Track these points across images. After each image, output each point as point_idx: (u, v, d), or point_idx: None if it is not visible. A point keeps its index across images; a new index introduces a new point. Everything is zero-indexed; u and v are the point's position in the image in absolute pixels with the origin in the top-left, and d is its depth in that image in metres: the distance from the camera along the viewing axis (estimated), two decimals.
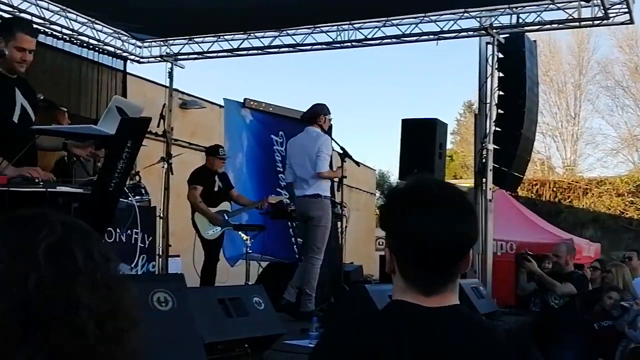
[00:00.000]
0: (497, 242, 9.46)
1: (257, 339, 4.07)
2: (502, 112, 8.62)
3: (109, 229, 4.96)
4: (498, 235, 9.17)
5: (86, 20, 8.92)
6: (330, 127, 6.63)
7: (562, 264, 6.59)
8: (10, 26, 3.93)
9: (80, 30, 8.95)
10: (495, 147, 8.52)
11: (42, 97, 4.62)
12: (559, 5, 8.10)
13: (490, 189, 8.34)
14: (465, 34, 8.67)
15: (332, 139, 6.55)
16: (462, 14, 8.53)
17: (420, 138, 7.79)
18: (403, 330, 1.51)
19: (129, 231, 5.51)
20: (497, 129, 8.60)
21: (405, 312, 1.55)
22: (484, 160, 8.39)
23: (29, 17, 8.18)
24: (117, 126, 3.67)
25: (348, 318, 2.02)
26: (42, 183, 3.53)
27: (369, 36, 8.99)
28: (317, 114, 6.27)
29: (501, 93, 8.58)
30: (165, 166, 7.29)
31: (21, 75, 3.98)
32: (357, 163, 6.65)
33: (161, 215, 7.10)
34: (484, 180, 8.35)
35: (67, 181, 4.46)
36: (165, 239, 8.88)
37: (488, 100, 8.59)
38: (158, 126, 7.71)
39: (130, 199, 5.34)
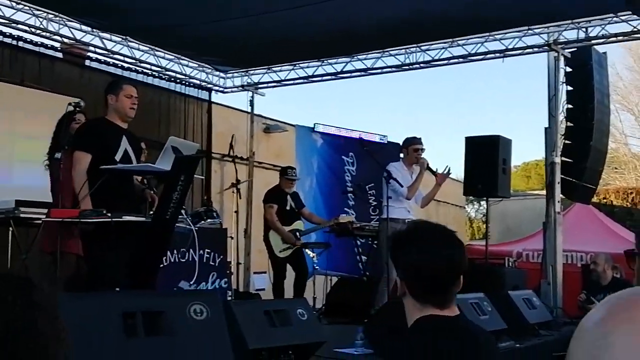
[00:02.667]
0: (569, 253, 9.49)
1: (299, 347, 4.52)
2: (572, 125, 8.70)
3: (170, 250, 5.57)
4: (571, 246, 9.20)
5: (173, 57, 9.74)
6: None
7: (600, 272, 6.67)
8: (117, 82, 4.90)
9: (168, 67, 9.79)
10: (566, 160, 8.61)
11: (143, 145, 5.45)
12: (622, 18, 8.13)
13: (558, 201, 8.43)
14: (530, 50, 8.82)
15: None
16: (526, 31, 8.70)
17: (484, 155, 8.02)
18: (439, 335, 1.98)
19: (200, 251, 6.11)
20: (567, 141, 8.69)
21: (437, 322, 1.99)
22: (553, 174, 8.50)
23: (120, 57, 9.11)
24: (172, 163, 4.27)
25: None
26: (109, 214, 4.16)
27: (436, 57, 9.30)
28: (402, 147, 7.05)
29: (570, 106, 8.67)
30: (235, 191, 7.92)
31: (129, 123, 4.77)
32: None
33: (232, 236, 7.72)
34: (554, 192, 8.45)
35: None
36: (248, 257, 9.54)
37: (557, 114, 8.69)
38: (230, 148, 8.35)
39: (202, 222, 5.97)
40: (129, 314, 3.31)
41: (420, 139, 7.11)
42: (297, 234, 7.65)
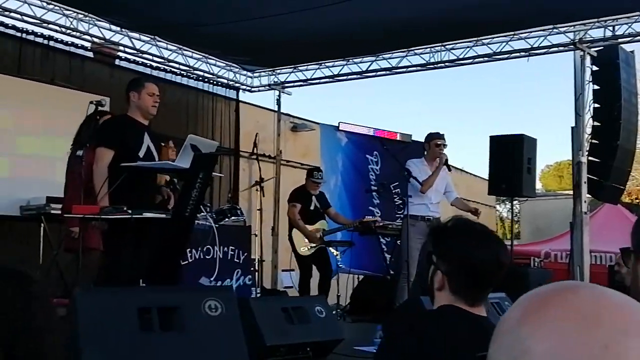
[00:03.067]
0: (597, 254, 9.41)
1: (317, 344, 4.60)
2: (599, 124, 8.61)
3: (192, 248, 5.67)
4: (600, 246, 9.13)
5: (201, 57, 9.87)
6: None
7: (624, 273, 6.59)
8: (139, 80, 4.97)
9: (196, 66, 9.92)
10: (593, 159, 8.53)
11: (163, 144, 5.56)
12: None
13: (585, 201, 8.36)
14: (555, 49, 8.75)
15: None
16: (551, 30, 8.64)
17: (509, 154, 8.00)
18: (458, 325, 2.01)
19: (225, 248, 6.22)
20: (594, 141, 8.61)
21: (459, 313, 2.02)
22: (579, 173, 8.44)
23: (149, 57, 9.27)
24: (190, 161, 4.37)
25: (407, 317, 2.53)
26: (130, 211, 4.28)
27: (461, 56, 9.29)
28: (424, 143, 7.07)
29: (597, 105, 8.59)
30: (259, 189, 8.01)
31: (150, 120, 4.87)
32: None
33: (256, 233, 7.82)
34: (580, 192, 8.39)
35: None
36: (275, 255, 9.64)
37: (583, 113, 8.62)
38: (254, 147, 8.46)
39: (225, 220, 6.07)
40: (144, 309, 3.41)
41: (442, 134, 7.11)
42: (321, 233, 7.72)
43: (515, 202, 20.77)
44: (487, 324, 2.01)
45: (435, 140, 7.02)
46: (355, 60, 9.89)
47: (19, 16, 7.77)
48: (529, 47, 8.84)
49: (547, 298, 0.72)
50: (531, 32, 8.74)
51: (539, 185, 30.76)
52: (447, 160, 6.96)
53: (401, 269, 6.69)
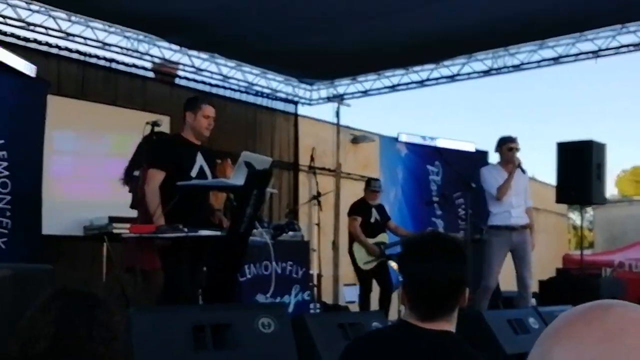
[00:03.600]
0: None
1: None
2: None
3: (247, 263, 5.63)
4: None
5: (259, 72, 9.92)
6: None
7: None
8: (196, 101, 4.92)
9: (255, 82, 9.97)
10: None
11: (219, 161, 5.56)
12: None
13: None
14: (625, 49, 8.40)
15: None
16: (620, 29, 8.30)
17: (577, 160, 7.69)
18: (401, 337, 2.08)
19: (283, 264, 6.16)
20: None
21: (406, 326, 2.08)
22: None
23: (208, 74, 9.37)
24: (244, 178, 4.33)
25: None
26: (185, 229, 4.26)
27: (525, 61, 9.02)
28: (496, 147, 6.75)
29: None
30: (317, 203, 7.94)
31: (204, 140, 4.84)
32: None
33: (314, 248, 7.74)
34: None
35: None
36: (336, 269, 9.55)
37: None
38: (311, 160, 8.40)
39: (283, 235, 6.03)
40: (198, 327, 3.38)
41: (515, 137, 6.84)
42: (382, 246, 7.57)
43: (589, 210, 20.14)
44: (438, 338, 2.03)
45: (508, 144, 6.74)
46: (415, 69, 9.76)
47: (82, 40, 7.98)
48: (597, 48, 8.51)
49: (579, 314, 0.73)
50: (599, 32, 8.42)
51: (615, 191, 29.75)
52: (520, 163, 6.68)
53: (481, 284, 6.46)
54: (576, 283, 7.42)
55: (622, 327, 0.69)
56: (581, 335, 0.70)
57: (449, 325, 2.07)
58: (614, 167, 32.39)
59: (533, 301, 7.22)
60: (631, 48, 8.41)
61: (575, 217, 21.55)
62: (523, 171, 6.76)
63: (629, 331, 0.68)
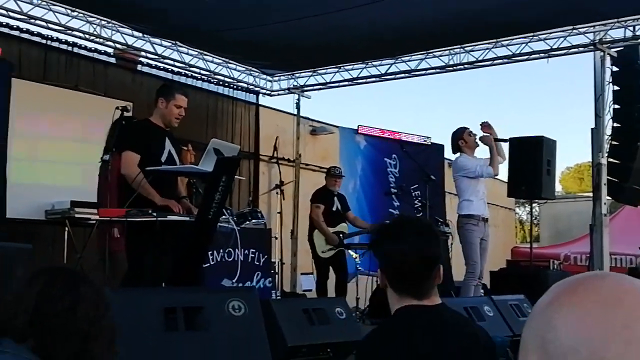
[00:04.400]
0: (617, 256, 9.38)
1: (338, 344, 4.65)
2: (619, 125, 8.59)
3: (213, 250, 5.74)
4: (620, 249, 9.09)
5: (221, 61, 9.98)
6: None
7: None
8: (171, 89, 4.97)
9: (217, 71, 10.03)
10: (613, 161, 8.51)
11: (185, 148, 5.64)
12: None
13: (604, 203, 8.34)
14: (575, 50, 8.75)
15: None
16: (571, 31, 8.63)
17: (528, 156, 7.96)
18: (415, 325, 2.11)
19: (246, 251, 6.29)
20: (614, 142, 8.58)
21: (413, 311, 2.12)
22: (599, 175, 8.43)
23: (170, 62, 9.39)
24: (213, 165, 4.44)
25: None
26: (154, 214, 4.36)
27: (480, 58, 9.30)
28: (456, 142, 6.96)
29: (617, 106, 8.57)
30: (279, 192, 8.08)
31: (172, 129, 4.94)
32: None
33: (276, 236, 7.89)
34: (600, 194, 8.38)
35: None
36: (295, 258, 9.70)
37: (603, 114, 8.60)
38: (274, 150, 8.53)
39: (246, 223, 6.15)
40: (170, 309, 3.49)
41: (463, 126, 7.11)
42: (341, 236, 7.76)
43: (535, 205, 20.73)
44: (442, 312, 2.14)
45: (466, 131, 6.99)
46: (374, 63, 9.95)
47: (44, 23, 7.92)
48: (549, 48, 8.84)
49: (576, 283, 0.78)
50: (551, 33, 8.75)
51: (559, 188, 30.57)
52: (496, 136, 6.98)
53: (468, 269, 6.69)
54: (526, 274, 7.74)
55: (618, 296, 0.74)
56: (581, 302, 0.74)
57: (439, 298, 2.18)
58: (559, 165, 33.34)
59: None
60: (581, 49, 8.75)
61: (521, 212, 22.14)
62: (504, 140, 7.02)
63: (625, 299, 0.73)
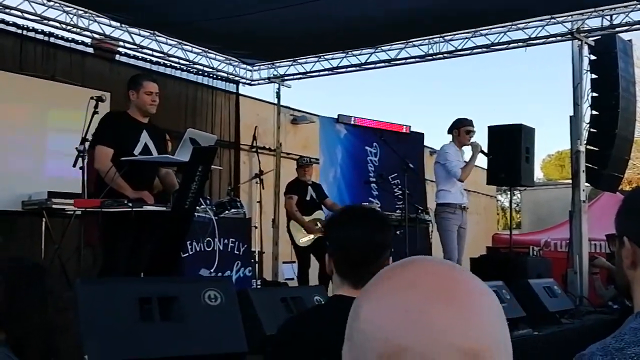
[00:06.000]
0: (596, 242, 9.48)
1: None
2: (597, 113, 8.65)
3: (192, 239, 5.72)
4: (599, 235, 9.17)
5: (200, 51, 9.93)
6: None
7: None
8: (137, 78, 4.96)
9: (196, 60, 9.98)
10: (592, 148, 8.58)
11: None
12: None
13: (583, 190, 8.42)
14: (553, 39, 8.80)
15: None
16: (549, 20, 8.68)
17: (507, 143, 8.02)
18: (339, 318, 2.09)
19: (225, 240, 6.27)
20: (593, 130, 8.65)
21: (341, 303, 2.08)
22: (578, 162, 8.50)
23: (149, 52, 9.33)
24: (190, 154, 4.44)
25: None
26: (130, 204, 4.35)
27: (459, 47, 9.33)
28: (453, 128, 7.04)
29: (595, 94, 8.63)
30: (259, 182, 8.09)
31: (151, 118, 4.90)
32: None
33: (256, 225, 7.90)
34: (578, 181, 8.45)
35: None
36: (276, 247, 9.71)
37: (582, 102, 8.66)
38: (254, 140, 8.52)
39: (226, 212, 6.13)
40: (145, 299, 3.48)
41: (471, 120, 7.16)
42: (318, 223, 7.79)
43: (516, 192, 20.89)
44: None
45: (467, 127, 7.05)
46: (354, 52, 9.95)
47: (19, 13, 7.84)
48: (527, 37, 8.89)
49: (384, 271, 0.77)
50: (529, 22, 8.80)
51: (540, 175, 30.81)
52: (481, 147, 7.05)
53: (445, 257, 6.73)
54: (505, 261, 7.80)
55: (414, 280, 0.72)
56: (380, 289, 0.73)
57: None
58: (540, 152, 33.60)
59: None
60: (558, 38, 8.81)
61: (503, 199, 22.29)
62: (486, 155, 7.10)
63: (420, 282, 0.71)
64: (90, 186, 4.81)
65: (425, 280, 0.72)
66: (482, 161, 8.08)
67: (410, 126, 9.91)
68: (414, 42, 9.55)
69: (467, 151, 7.26)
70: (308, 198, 7.81)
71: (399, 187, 8.70)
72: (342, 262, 2.16)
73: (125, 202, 4.31)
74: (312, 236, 7.62)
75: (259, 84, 10.87)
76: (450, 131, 7.14)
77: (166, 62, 9.64)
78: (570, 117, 9.07)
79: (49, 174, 7.56)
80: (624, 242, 1.36)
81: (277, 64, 10.53)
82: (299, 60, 10.35)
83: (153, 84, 4.87)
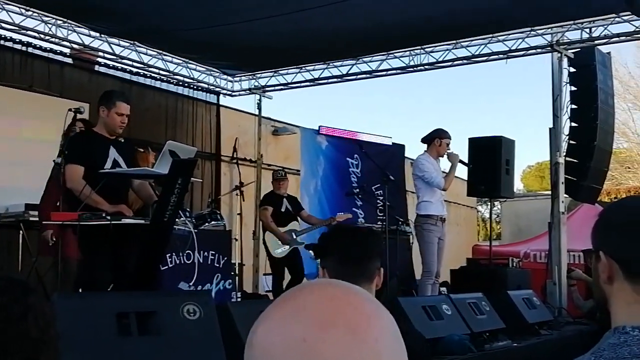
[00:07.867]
0: (575, 253, 9.54)
1: None
2: (576, 125, 8.72)
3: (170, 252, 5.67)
4: (578, 246, 9.24)
5: (181, 61, 9.88)
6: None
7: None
8: (111, 96, 4.83)
9: (176, 71, 9.92)
10: (572, 160, 8.64)
11: (142, 150, 5.55)
12: (625, 18, 8.14)
13: (562, 201, 8.47)
14: (533, 51, 8.86)
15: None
16: (529, 32, 8.74)
17: (487, 155, 8.05)
18: None
19: (205, 253, 6.23)
20: (572, 142, 8.71)
21: None
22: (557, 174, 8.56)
23: (129, 62, 9.26)
24: (169, 167, 4.39)
25: None
26: (108, 217, 4.28)
27: (440, 59, 9.37)
28: (432, 138, 7.03)
29: (574, 106, 8.70)
30: (239, 193, 8.05)
31: (119, 137, 4.83)
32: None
33: (236, 237, 7.86)
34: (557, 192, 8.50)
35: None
36: (257, 259, 9.66)
37: (561, 114, 8.73)
38: (234, 151, 8.50)
39: (206, 225, 6.08)
40: (122, 314, 3.42)
41: (448, 132, 7.20)
42: (293, 234, 7.79)
43: (496, 203, 21.02)
44: None
45: (445, 139, 7.09)
46: (336, 63, 9.95)
47: None
48: (507, 49, 8.94)
49: (282, 296, 0.76)
50: (509, 34, 8.85)
51: (520, 186, 30.98)
52: (460, 158, 7.09)
53: (424, 269, 6.76)
54: (485, 272, 7.82)
55: (305, 305, 0.71)
56: (275, 314, 0.73)
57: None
58: (520, 163, 33.85)
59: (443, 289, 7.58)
60: (538, 50, 8.87)
61: (483, 209, 22.35)
62: (465, 164, 7.15)
63: (308, 309, 0.71)
64: (59, 198, 4.74)
65: (316, 307, 0.71)
66: (462, 172, 8.11)
67: (391, 137, 9.93)
68: (395, 54, 9.57)
69: (443, 161, 7.29)
70: (283, 209, 7.84)
71: (381, 198, 8.70)
72: (333, 268, 2.45)
73: (104, 215, 4.25)
74: (287, 247, 7.62)
75: (240, 94, 10.83)
76: (427, 141, 7.14)
77: (146, 72, 9.57)
78: (550, 129, 9.13)
79: (27, 186, 7.45)
80: (600, 257, 1.36)
81: (258, 75, 10.50)
82: (280, 72, 10.33)
83: (126, 106, 4.75)
